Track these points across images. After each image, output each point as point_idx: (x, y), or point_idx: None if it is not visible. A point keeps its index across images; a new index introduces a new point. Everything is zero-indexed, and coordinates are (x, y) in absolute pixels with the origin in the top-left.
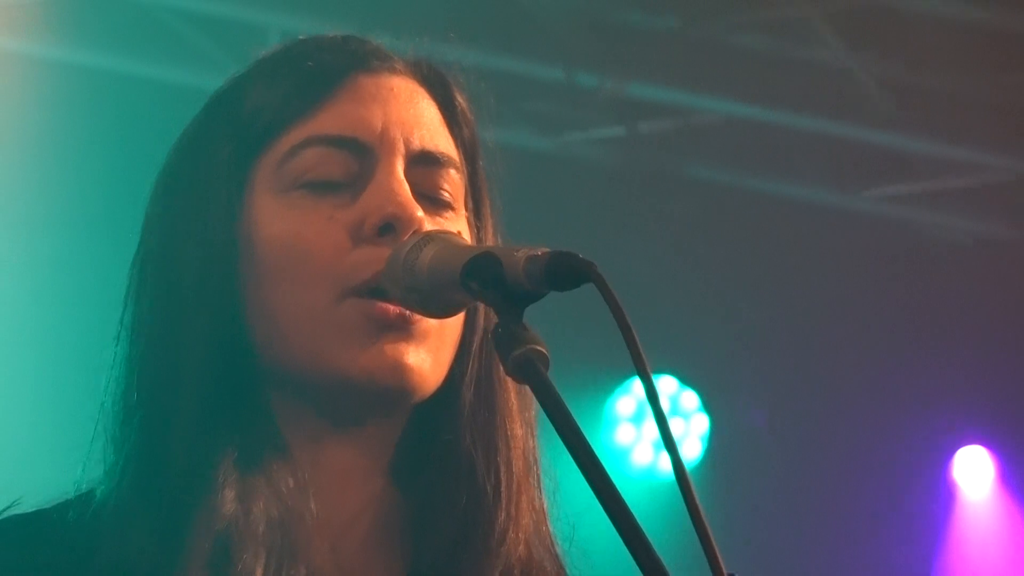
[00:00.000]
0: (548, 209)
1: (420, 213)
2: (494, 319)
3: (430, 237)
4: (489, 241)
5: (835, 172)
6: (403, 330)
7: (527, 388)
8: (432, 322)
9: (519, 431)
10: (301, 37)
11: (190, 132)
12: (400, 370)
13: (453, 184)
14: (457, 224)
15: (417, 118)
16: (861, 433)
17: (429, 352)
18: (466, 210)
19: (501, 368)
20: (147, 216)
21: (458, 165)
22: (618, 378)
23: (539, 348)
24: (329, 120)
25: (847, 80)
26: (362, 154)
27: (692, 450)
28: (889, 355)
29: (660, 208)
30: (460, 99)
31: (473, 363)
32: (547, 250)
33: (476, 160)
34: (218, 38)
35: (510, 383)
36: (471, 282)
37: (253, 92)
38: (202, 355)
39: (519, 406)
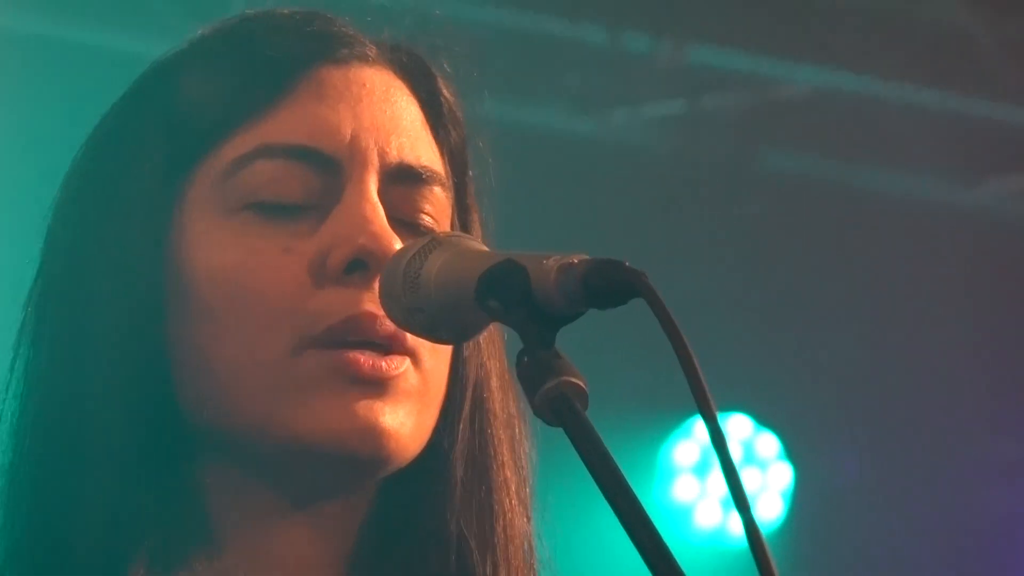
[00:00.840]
0: (589, 206)
1: (397, 244)
2: (490, 365)
3: (437, 241)
4: None
5: (949, 159)
6: (378, 387)
7: (522, 460)
8: (414, 378)
9: (518, 515)
10: (250, 12)
11: (106, 129)
12: (374, 434)
13: (437, 205)
14: None
15: (395, 122)
16: (978, 487)
17: (410, 415)
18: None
19: (494, 435)
20: (49, 233)
21: (444, 181)
22: (676, 419)
23: (575, 381)
24: (286, 125)
25: (965, 45)
26: (327, 169)
27: (771, 508)
28: (1016, 390)
29: (729, 205)
30: (447, 95)
31: (463, 427)
32: (586, 258)
33: (465, 171)
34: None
35: (505, 448)
36: (489, 299)
37: (189, 84)
38: (114, 420)
39: (517, 483)
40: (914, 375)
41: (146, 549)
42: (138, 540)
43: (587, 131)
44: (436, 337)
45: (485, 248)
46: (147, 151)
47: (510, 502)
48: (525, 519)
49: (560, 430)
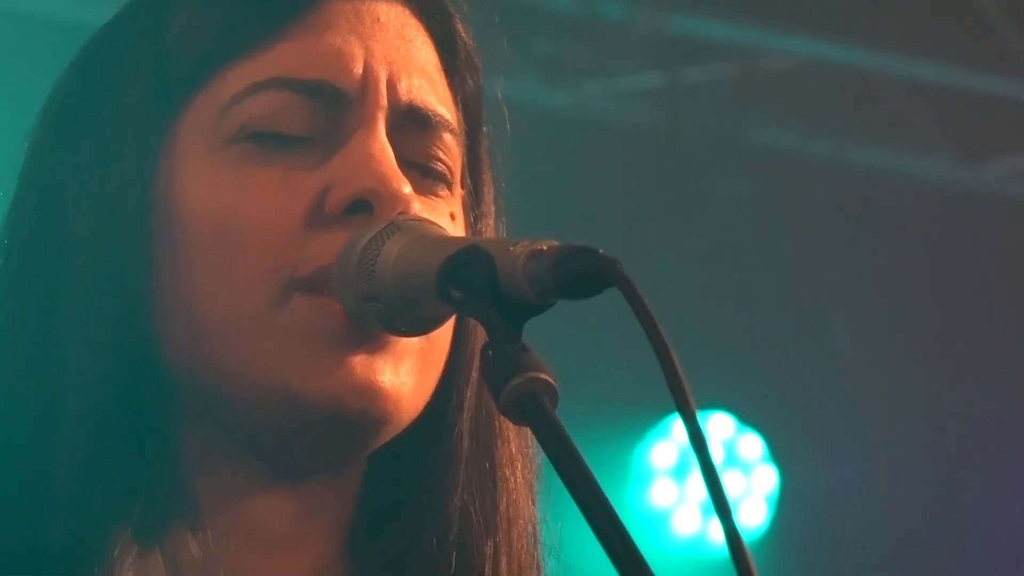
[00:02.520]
0: (559, 185)
1: (408, 190)
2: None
3: (396, 225)
4: (490, 233)
5: (951, 137)
6: (375, 340)
7: (527, 439)
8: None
9: (522, 494)
10: None
11: (88, 56)
12: (372, 392)
13: (449, 153)
14: (452, 205)
15: (408, 60)
16: (972, 491)
17: (411, 373)
18: (462, 188)
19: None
20: (25, 166)
21: (455, 129)
22: (652, 418)
23: (544, 377)
24: (292, 56)
25: (969, 14)
26: (334, 104)
27: (755, 514)
28: (1015, 388)
29: (712, 186)
30: (465, 38)
31: (470, 398)
32: (556, 244)
33: (479, 123)
34: None
35: (510, 429)
36: (452, 289)
37: (183, 9)
38: (91, 372)
39: (522, 463)
40: (908, 371)
41: (125, 516)
42: (115, 506)
43: (558, 104)
44: (393, 329)
45: (449, 233)
46: (134, 78)
47: (515, 480)
48: (530, 500)
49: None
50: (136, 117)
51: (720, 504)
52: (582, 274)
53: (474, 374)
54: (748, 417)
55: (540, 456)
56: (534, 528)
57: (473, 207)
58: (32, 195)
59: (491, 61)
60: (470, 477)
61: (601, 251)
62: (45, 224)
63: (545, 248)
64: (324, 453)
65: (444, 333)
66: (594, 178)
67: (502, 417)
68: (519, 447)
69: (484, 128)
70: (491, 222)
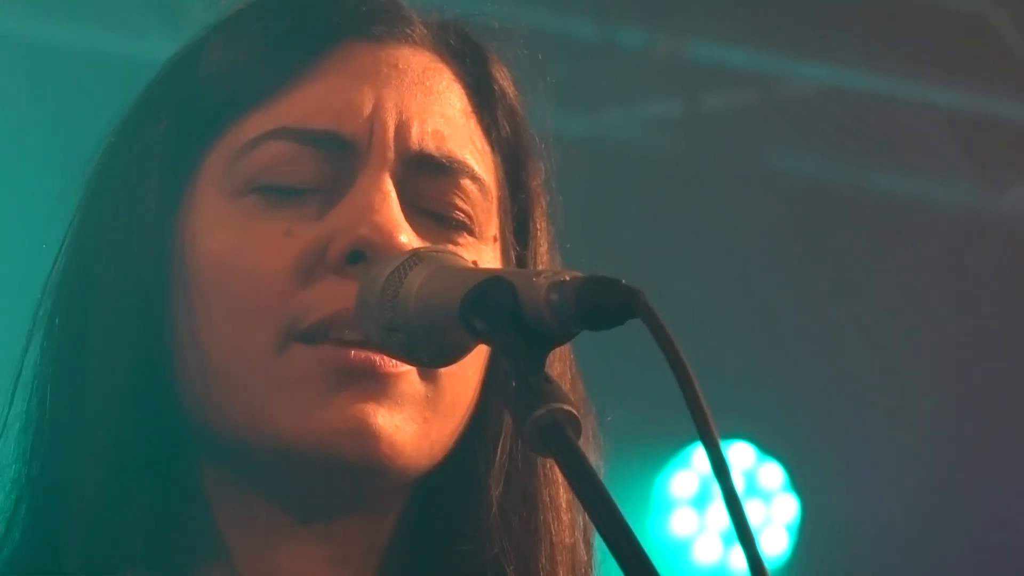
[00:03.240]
0: (578, 213)
1: (404, 238)
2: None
3: (419, 256)
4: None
5: (971, 162)
6: (371, 380)
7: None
8: (419, 383)
9: (567, 539)
10: None
11: (130, 111)
12: (363, 434)
13: (470, 199)
14: (473, 253)
15: (424, 108)
16: (997, 519)
17: (411, 419)
18: (499, 233)
19: None
20: (71, 222)
21: (476, 174)
22: (674, 447)
23: (567, 408)
24: (304, 105)
25: (989, 40)
26: (341, 152)
27: (776, 543)
28: None
29: (731, 213)
30: (502, 82)
31: (504, 438)
32: (579, 275)
33: (522, 168)
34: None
35: (552, 470)
36: (475, 319)
37: (210, 59)
38: (114, 419)
39: (569, 502)
40: (929, 398)
41: (144, 555)
42: (135, 545)
43: (577, 132)
44: (416, 360)
45: (471, 264)
46: (159, 128)
47: (558, 523)
48: (581, 541)
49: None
50: (158, 165)
51: (743, 532)
52: (605, 305)
53: (508, 418)
54: (768, 446)
55: None
56: (586, 572)
57: (518, 249)
58: (72, 246)
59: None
60: (506, 526)
61: (624, 282)
62: (81, 266)
63: (568, 278)
64: (336, 496)
65: (461, 380)
66: (614, 205)
67: (543, 462)
68: (566, 487)
69: (530, 171)
70: (546, 260)
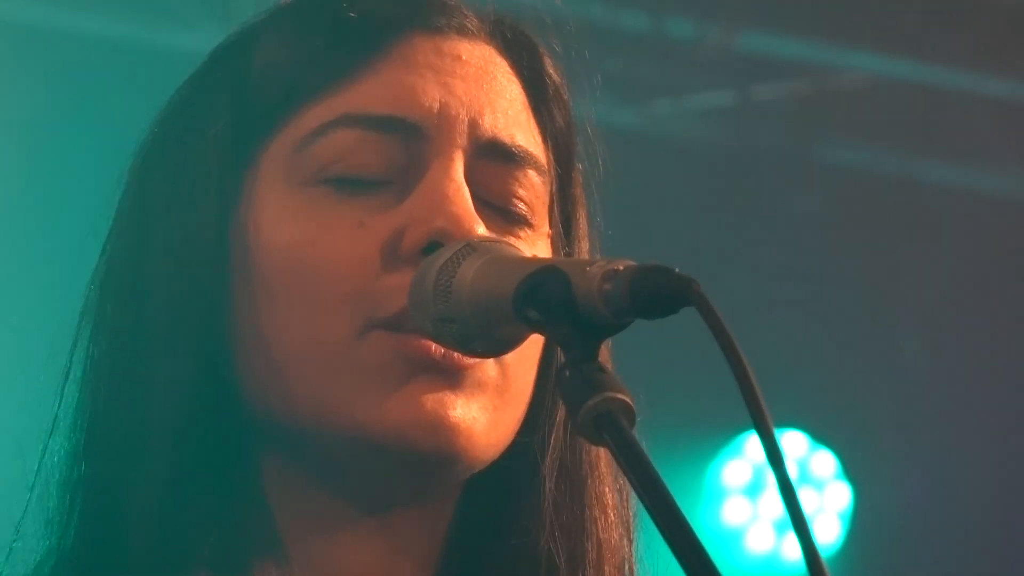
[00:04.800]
0: (631, 204)
1: (481, 230)
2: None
3: (471, 247)
4: None
5: (1022, 152)
6: (449, 375)
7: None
8: (492, 370)
9: (614, 534)
10: None
11: (177, 100)
12: (441, 427)
13: (533, 191)
14: (532, 246)
15: (491, 98)
16: None
17: (484, 409)
18: (550, 228)
19: (590, 447)
20: (116, 214)
21: (542, 166)
22: (726, 436)
23: (621, 397)
24: (370, 93)
25: None
26: (412, 141)
27: (829, 531)
28: None
29: (783, 204)
30: (554, 76)
31: (556, 434)
32: (631, 264)
33: (571, 160)
34: None
35: (602, 463)
36: (528, 309)
37: (267, 48)
38: (174, 413)
39: (615, 500)
40: (980, 387)
41: (207, 552)
42: (198, 542)
43: (628, 123)
44: (469, 350)
45: (523, 254)
46: (216, 119)
47: (605, 520)
48: (625, 540)
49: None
50: (218, 154)
51: (797, 521)
52: (658, 294)
53: (560, 412)
54: (821, 435)
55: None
56: (630, 568)
57: (565, 244)
58: (122, 236)
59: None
60: (557, 517)
61: (677, 270)
62: (133, 263)
63: (621, 268)
64: (404, 487)
65: (525, 370)
66: (666, 196)
67: (592, 455)
68: (612, 484)
69: (577, 164)
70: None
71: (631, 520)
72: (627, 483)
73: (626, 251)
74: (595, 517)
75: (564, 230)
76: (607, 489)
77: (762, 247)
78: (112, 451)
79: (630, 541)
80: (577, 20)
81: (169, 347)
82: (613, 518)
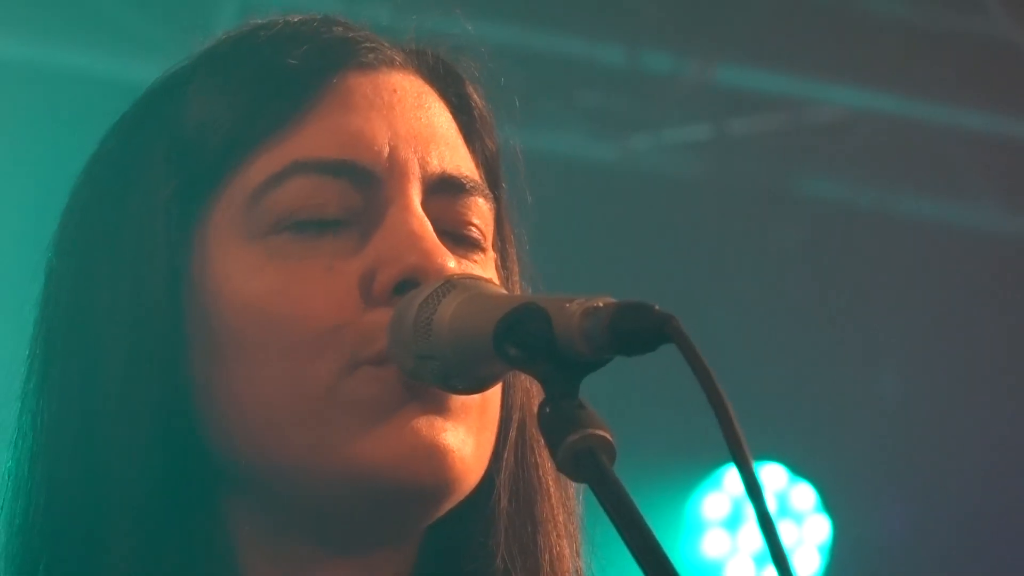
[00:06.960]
0: (608, 238)
1: (453, 263)
2: (535, 390)
3: (451, 283)
4: (517, 291)
5: (1000, 186)
6: (436, 401)
7: (568, 491)
8: (475, 397)
9: (566, 551)
10: (258, 20)
11: (108, 153)
12: (438, 453)
13: (483, 217)
14: (487, 270)
15: (431, 130)
16: None
17: (470, 433)
18: (494, 251)
19: (540, 464)
20: (50, 270)
21: (487, 192)
22: (705, 469)
23: (601, 434)
24: (316, 139)
25: (1018, 63)
26: (365, 183)
27: (809, 564)
28: None
29: (760, 238)
30: (478, 100)
31: (508, 455)
32: (611, 301)
33: (498, 182)
34: (153, 14)
35: (550, 483)
36: (509, 346)
37: (202, 98)
38: (133, 476)
39: (564, 516)
40: (960, 422)
41: None
42: None
43: (605, 157)
44: (450, 387)
45: (503, 291)
46: (157, 175)
47: (556, 536)
48: (574, 552)
49: None
50: (161, 216)
51: (776, 554)
52: (638, 331)
53: (512, 433)
54: (800, 468)
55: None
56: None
57: (501, 266)
58: (62, 298)
59: (540, 116)
60: (511, 535)
61: (656, 307)
62: (77, 328)
63: (601, 305)
64: (391, 525)
65: (495, 392)
66: (643, 231)
67: (542, 474)
68: (560, 500)
69: (504, 186)
70: (517, 279)
71: (577, 535)
72: (575, 500)
73: (604, 286)
74: (547, 533)
75: (500, 253)
76: (557, 506)
77: (740, 280)
78: (69, 519)
79: (578, 554)
80: (552, 54)
81: (127, 411)
82: (563, 534)
